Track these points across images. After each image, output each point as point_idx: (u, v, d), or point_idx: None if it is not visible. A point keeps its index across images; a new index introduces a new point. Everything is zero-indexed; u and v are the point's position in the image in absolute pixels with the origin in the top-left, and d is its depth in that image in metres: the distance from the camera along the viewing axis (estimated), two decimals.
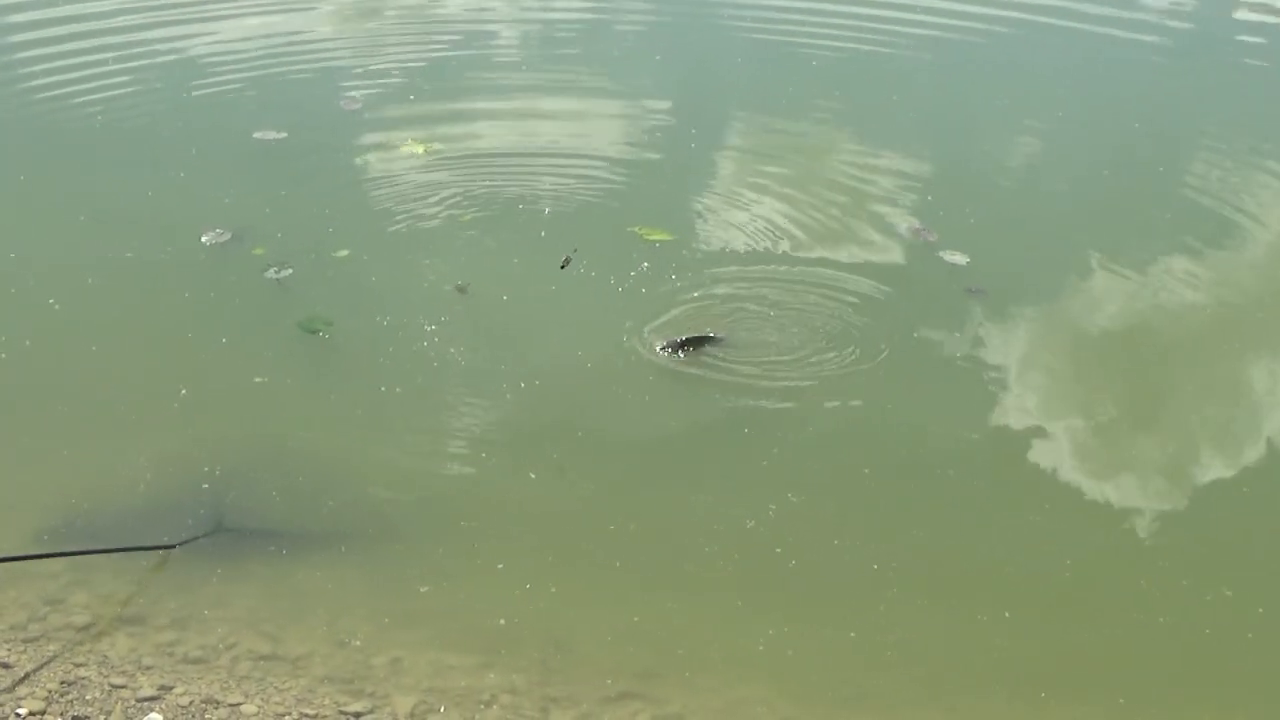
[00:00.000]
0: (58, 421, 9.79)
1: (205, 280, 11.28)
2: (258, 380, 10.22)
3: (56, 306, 10.92)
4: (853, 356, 10.53)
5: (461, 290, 11.18)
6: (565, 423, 9.88)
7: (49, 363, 10.36)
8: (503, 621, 8.32)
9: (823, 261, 11.77)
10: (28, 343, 10.50)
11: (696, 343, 10.40)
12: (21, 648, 8.01)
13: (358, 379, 10.26)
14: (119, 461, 9.40)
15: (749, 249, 11.95)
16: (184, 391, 10.03)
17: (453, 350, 10.45)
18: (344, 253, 11.67)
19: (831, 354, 10.57)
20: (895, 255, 11.99)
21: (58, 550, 8.49)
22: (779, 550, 8.83)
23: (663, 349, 10.33)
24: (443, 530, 8.99)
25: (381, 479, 9.37)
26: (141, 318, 10.94)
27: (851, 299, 11.25)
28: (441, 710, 7.68)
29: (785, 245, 12.02)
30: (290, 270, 11.38)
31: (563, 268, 10.11)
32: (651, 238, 12.00)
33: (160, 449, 9.49)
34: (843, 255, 11.89)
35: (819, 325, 10.90)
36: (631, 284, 11.29)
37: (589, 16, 17.53)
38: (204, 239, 11.72)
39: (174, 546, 8.70)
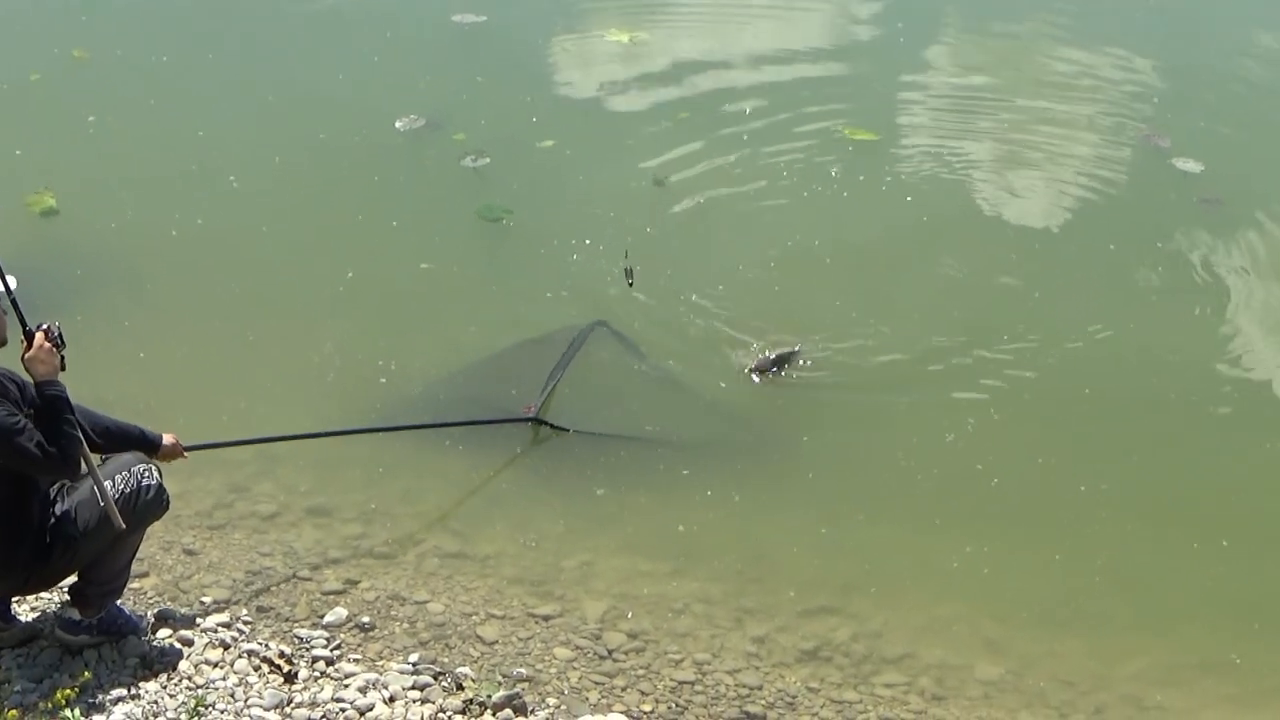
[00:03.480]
0: (226, 301, 9.98)
1: (397, 166, 11.41)
2: (424, 266, 10.32)
3: (236, 184, 11.12)
4: (1076, 269, 10.37)
5: (660, 184, 11.17)
6: (749, 327, 9.78)
7: (220, 241, 10.55)
8: (681, 528, 8.34)
9: (1044, 169, 11.57)
10: (200, 221, 10.70)
11: (782, 361, 9.58)
12: (208, 535, 8.17)
13: (530, 273, 10.25)
14: (288, 344, 9.59)
15: (960, 154, 11.77)
16: (350, 274, 10.17)
17: (636, 248, 10.40)
18: (549, 143, 11.71)
19: (1052, 267, 10.41)
20: (1123, 162, 11.75)
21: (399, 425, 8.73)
22: (979, 467, 8.72)
23: (753, 372, 9.46)
24: (620, 436, 8.97)
25: (544, 377, 9.30)
26: (320, 200, 11.11)
27: (1076, 208, 11.06)
28: (630, 616, 7.70)
29: (1001, 151, 11.83)
30: (488, 159, 11.43)
31: (630, 283, 9.96)
32: (856, 137, 11.86)
33: (327, 333, 9.64)
34: (1066, 162, 11.67)
35: (1038, 236, 10.74)
36: (834, 187, 11.22)
37: None
38: (398, 124, 11.81)
39: (534, 420, 8.91)
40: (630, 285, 9.97)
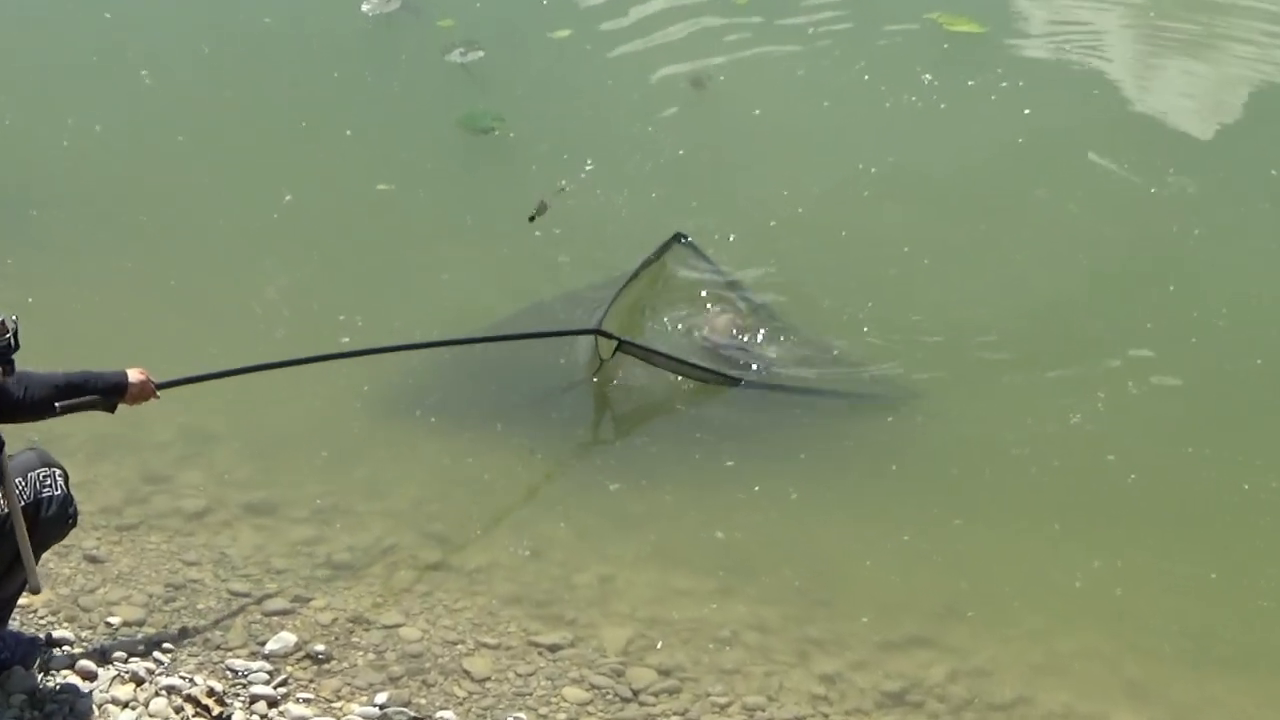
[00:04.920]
0: (135, 233, 10.09)
1: (362, 60, 11.50)
2: (380, 188, 10.39)
3: (148, 80, 11.20)
4: (1242, 203, 10.38)
5: (699, 87, 11.19)
6: (788, 282, 9.85)
7: (127, 154, 10.65)
8: (721, 535, 8.36)
9: (1200, 72, 11.61)
10: (98, 128, 10.78)
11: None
12: (116, 537, 8.17)
13: (518, 200, 10.17)
14: (219, 290, 9.68)
15: (1092, 54, 11.79)
16: (289, 198, 10.25)
17: (664, 172, 10.49)
18: (563, 33, 11.76)
19: (1212, 199, 10.42)
20: None
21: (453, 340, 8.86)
22: (1111, 458, 8.71)
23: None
24: (639, 412, 9.12)
25: (538, 342, 9.37)
26: (260, 104, 11.18)
27: (1241, 123, 11.11)
28: (661, 647, 7.68)
29: (1145, 49, 11.84)
30: (481, 52, 11.48)
31: (531, 219, 9.74)
32: (954, 29, 11.88)
33: (266, 276, 9.73)
34: (1230, 62, 11.69)
35: (1194, 159, 10.74)
36: (929, 97, 11.26)
37: None
38: (365, 7, 11.89)
39: (602, 333, 8.95)
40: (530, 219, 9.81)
